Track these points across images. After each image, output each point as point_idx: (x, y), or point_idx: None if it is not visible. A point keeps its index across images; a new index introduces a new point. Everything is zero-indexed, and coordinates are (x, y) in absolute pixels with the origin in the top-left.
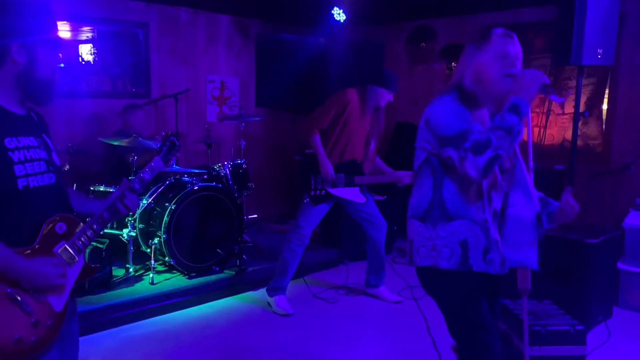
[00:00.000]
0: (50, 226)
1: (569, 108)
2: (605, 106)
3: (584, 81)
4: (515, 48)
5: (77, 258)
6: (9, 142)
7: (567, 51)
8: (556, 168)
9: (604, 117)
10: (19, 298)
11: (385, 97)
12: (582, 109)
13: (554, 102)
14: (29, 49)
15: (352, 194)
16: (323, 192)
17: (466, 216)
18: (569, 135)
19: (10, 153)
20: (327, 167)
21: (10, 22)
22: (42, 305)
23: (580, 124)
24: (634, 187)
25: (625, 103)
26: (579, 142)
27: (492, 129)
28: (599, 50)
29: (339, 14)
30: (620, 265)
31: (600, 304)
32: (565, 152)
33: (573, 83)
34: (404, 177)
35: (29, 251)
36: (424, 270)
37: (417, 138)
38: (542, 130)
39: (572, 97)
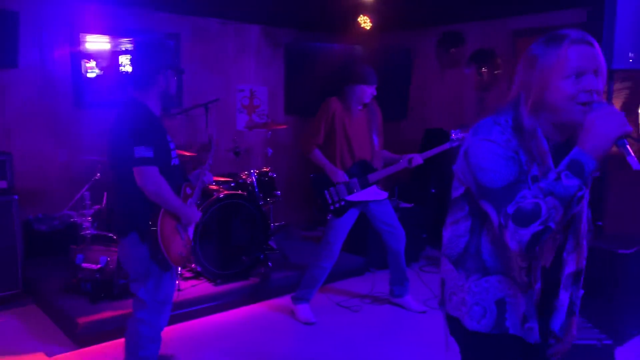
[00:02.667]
0: (185, 188)
1: None
2: None
3: (620, 85)
4: (597, 60)
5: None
6: (168, 137)
7: None
8: None
9: None
10: (180, 229)
11: (367, 91)
12: None
13: None
14: (167, 77)
15: (371, 193)
16: (342, 203)
17: (507, 273)
18: None
19: (170, 144)
20: (338, 174)
21: (157, 61)
22: (187, 235)
23: None
24: None
25: None
26: (614, 148)
27: (544, 193)
28: (630, 54)
29: (364, 22)
30: None
31: (634, 317)
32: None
33: (606, 87)
34: (414, 158)
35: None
36: (454, 320)
37: (457, 163)
38: None
39: None
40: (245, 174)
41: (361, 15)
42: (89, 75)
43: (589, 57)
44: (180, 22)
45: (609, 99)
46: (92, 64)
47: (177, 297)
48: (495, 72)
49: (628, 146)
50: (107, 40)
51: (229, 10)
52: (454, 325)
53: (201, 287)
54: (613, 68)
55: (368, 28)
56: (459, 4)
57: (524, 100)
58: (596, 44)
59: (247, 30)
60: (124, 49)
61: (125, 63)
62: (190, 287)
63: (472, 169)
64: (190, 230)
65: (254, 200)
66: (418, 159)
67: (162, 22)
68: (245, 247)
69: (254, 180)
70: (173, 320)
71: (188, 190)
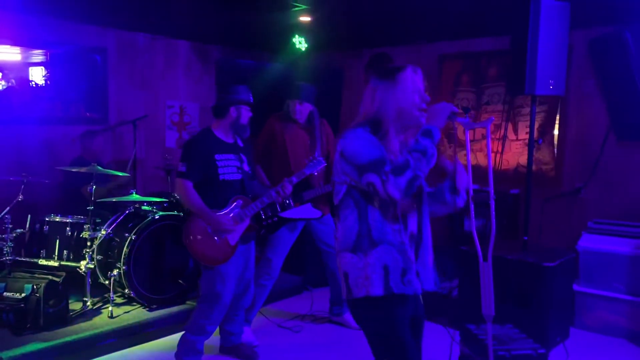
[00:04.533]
0: (233, 201)
1: (523, 134)
2: (556, 132)
3: (537, 108)
4: (423, 82)
5: (245, 219)
6: (217, 156)
7: (521, 81)
8: (512, 192)
9: (555, 143)
10: (212, 234)
11: (297, 108)
12: (535, 135)
13: (508, 129)
14: (238, 109)
15: (305, 212)
16: (275, 219)
17: (386, 241)
18: (522, 160)
19: (217, 162)
20: (271, 193)
21: (235, 96)
22: (223, 240)
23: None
24: (586, 211)
25: (575, 130)
26: (533, 167)
27: (410, 152)
28: (550, 80)
29: (300, 43)
30: (576, 287)
31: (558, 325)
32: (519, 177)
33: (526, 110)
34: None
35: (220, 213)
36: (358, 302)
37: (334, 172)
38: (498, 155)
39: (526, 123)
40: None
41: (296, 36)
42: None
43: (422, 80)
44: (105, 36)
45: (532, 121)
46: None
47: (109, 325)
48: None
49: (457, 120)
50: (18, 51)
51: (158, 24)
52: (358, 306)
53: (135, 313)
54: (536, 94)
55: (303, 49)
56: (388, 27)
57: (384, 113)
58: (420, 72)
59: (177, 46)
60: (36, 61)
61: (36, 76)
62: (123, 314)
63: (350, 160)
64: (233, 236)
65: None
66: None
67: (86, 35)
68: (181, 270)
69: None
70: (105, 351)
71: (239, 202)
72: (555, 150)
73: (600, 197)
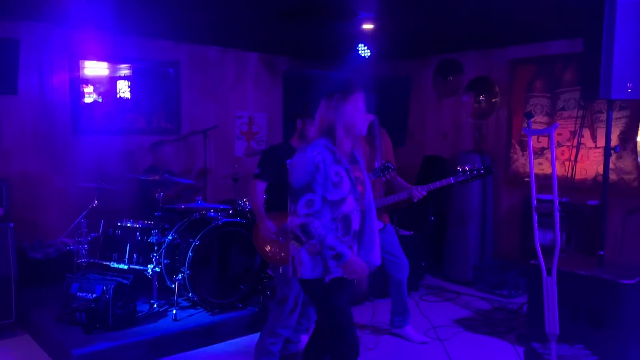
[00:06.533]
0: None
1: (602, 142)
2: (639, 139)
3: (617, 114)
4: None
5: None
6: (289, 161)
7: (596, 85)
8: (590, 203)
9: (639, 150)
10: (278, 234)
11: None
12: (615, 142)
13: (587, 136)
14: (303, 122)
15: None
16: None
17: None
18: (602, 169)
19: (288, 166)
20: None
21: (303, 109)
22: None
23: (614, 157)
24: None
25: None
26: (613, 177)
27: (322, 239)
28: (628, 84)
29: (363, 50)
30: None
31: (637, 347)
32: (599, 187)
33: (605, 116)
34: (418, 190)
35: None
36: (302, 281)
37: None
38: (572, 164)
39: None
40: (244, 201)
41: (360, 44)
42: (87, 100)
43: (365, 98)
44: (179, 50)
45: (608, 127)
46: (90, 89)
47: (173, 327)
48: (494, 100)
49: None
50: (106, 66)
51: (228, 38)
52: (304, 284)
53: (198, 317)
54: (612, 98)
55: (367, 56)
56: (457, 33)
57: (339, 126)
58: (364, 94)
59: (246, 58)
60: (122, 75)
61: (123, 89)
62: (187, 317)
63: (290, 176)
64: None
65: (252, 228)
66: (422, 191)
67: (161, 50)
68: (243, 275)
69: None
70: (169, 352)
71: None
72: (639, 158)
73: None
